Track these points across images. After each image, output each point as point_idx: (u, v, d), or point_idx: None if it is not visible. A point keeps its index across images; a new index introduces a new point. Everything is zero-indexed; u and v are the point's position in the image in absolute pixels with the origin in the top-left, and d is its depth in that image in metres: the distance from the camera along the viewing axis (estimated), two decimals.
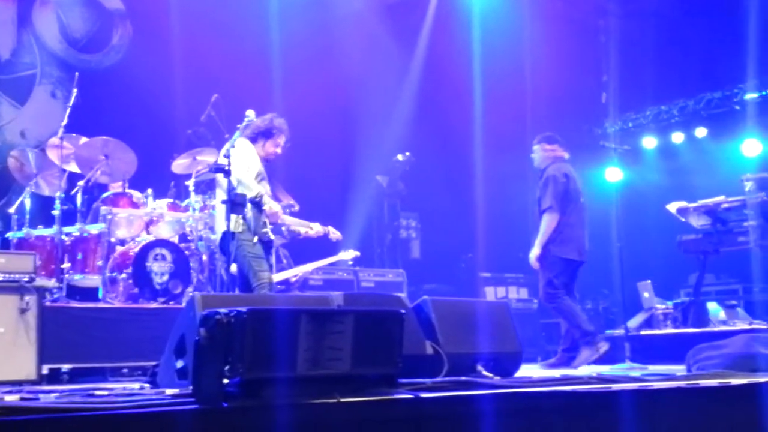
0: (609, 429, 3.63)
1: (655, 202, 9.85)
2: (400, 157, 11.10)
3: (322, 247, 8.90)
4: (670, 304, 9.00)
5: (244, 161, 6.13)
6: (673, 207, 8.46)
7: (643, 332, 8.30)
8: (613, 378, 4.38)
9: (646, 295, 9.13)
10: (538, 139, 7.38)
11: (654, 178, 11.81)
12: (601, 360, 6.95)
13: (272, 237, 6.20)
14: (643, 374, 5.01)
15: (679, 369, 5.51)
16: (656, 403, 3.86)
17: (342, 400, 3.17)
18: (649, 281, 9.29)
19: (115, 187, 7.90)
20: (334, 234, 7.10)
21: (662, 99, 11.90)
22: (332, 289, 7.37)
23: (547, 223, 7.01)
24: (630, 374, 4.95)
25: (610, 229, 8.57)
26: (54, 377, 6.18)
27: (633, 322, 8.53)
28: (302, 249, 8.66)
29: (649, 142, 12.18)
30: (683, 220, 8.47)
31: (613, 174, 9.01)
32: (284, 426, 2.96)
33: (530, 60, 12.13)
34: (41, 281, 6.45)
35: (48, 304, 6.48)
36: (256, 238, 6.03)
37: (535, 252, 7.08)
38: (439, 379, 4.32)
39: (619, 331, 8.12)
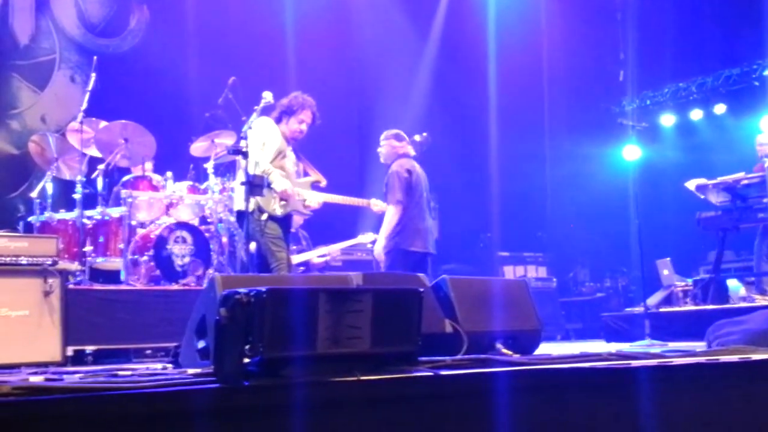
0: (629, 406, 3.64)
1: (673, 180, 9.80)
2: (417, 137, 11.03)
3: (341, 229, 8.95)
4: (689, 281, 8.97)
5: (259, 140, 6.15)
6: (691, 184, 8.41)
7: (662, 309, 8.28)
8: (633, 355, 4.38)
9: (665, 272, 9.11)
10: (386, 135, 7.39)
11: (672, 155, 11.75)
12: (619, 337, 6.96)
13: (280, 213, 6.16)
14: (662, 351, 5.01)
15: (699, 345, 5.50)
16: (676, 380, 3.86)
17: (362, 377, 3.20)
18: (669, 259, 9.26)
19: (138, 171, 7.96)
20: (376, 206, 7.15)
21: (680, 76, 11.80)
22: (351, 270, 7.40)
23: (392, 216, 7.04)
24: (650, 351, 4.96)
25: (629, 207, 8.54)
26: (78, 359, 6.27)
27: (652, 300, 8.51)
28: (322, 231, 8.70)
29: (668, 120, 12.10)
30: (702, 197, 8.42)
31: (631, 152, 8.96)
32: (304, 404, 2.99)
33: (546, 38, 12.08)
34: (64, 264, 6.53)
35: (71, 286, 6.55)
36: (265, 216, 6.05)
37: (381, 244, 7.09)
38: (458, 357, 4.34)
39: (638, 309, 8.11)
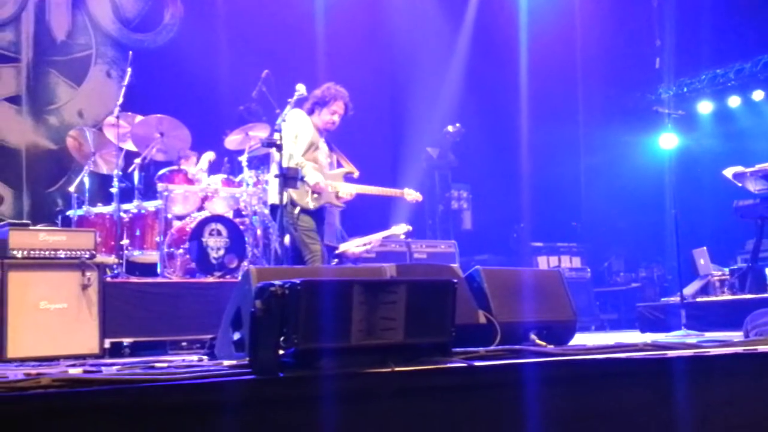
0: (665, 396, 3.61)
1: (710, 168, 9.67)
2: (450, 128, 11.06)
3: (375, 220, 8.96)
4: (726, 270, 8.85)
5: (292, 132, 6.17)
6: (729, 172, 8.29)
7: (699, 299, 8.19)
8: (669, 345, 4.34)
9: (701, 261, 9.00)
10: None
11: (709, 143, 11.59)
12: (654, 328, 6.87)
13: (313, 206, 6.16)
14: (699, 341, 4.96)
15: (736, 335, 5.44)
16: (713, 370, 3.82)
17: (395, 369, 3.21)
18: (705, 248, 9.15)
19: (191, 166, 8.07)
20: (410, 195, 7.06)
21: (718, 62, 11.62)
22: (385, 262, 7.42)
23: None
24: (686, 341, 4.91)
25: (664, 196, 8.45)
26: (115, 351, 6.36)
27: (689, 289, 8.41)
28: (355, 223, 8.72)
29: (705, 107, 11.93)
30: (740, 185, 8.30)
31: (668, 140, 8.85)
32: (339, 395, 3.00)
33: (580, 26, 11.97)
34: (101, 258, 6.61)
35: (108, 279, 6.65)
36: (298, 209, 6.06)
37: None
38: (492, 348, 4.34)
39: (674, 299, 8.03)
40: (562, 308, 5.13)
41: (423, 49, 11.24)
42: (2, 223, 6.26)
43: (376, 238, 8.50)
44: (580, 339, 5.34)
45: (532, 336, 4.76)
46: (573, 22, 11.94)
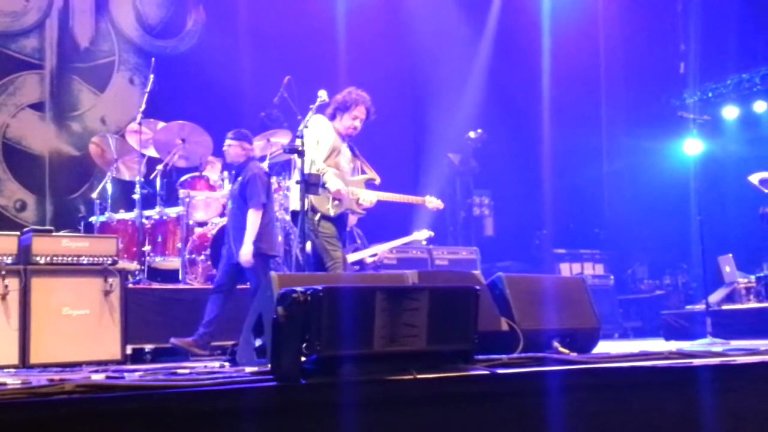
0: (691, 405, 3.57)
1: (736, 174, 9.57)
2: (471, 134, 11.02)
3: (396, 227, 8.94)
4: (752, 278, 8.76)
5: (313, 138, 6.15)
6: (755, 178, 8.20)
7: (724, 307, 8.11)
8: (695, 353, 4.30)
9: (727, 269, 8.90)
10: (235, 134, 6.97)
11: (735, 149, 11.46)
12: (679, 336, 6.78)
13: (333, 213, 6.13)
14: (725, 349, 4.90)
15: (762, 344, 5.37)
16: (739, 378, 3.77)
17: (418, 376, 3.19)
18: (731, 255, 9.06)
19: (213, 173, 8.09)
20: (431, 203, 6.99)
21: (743, 67, 11.51)
22: (406, 268, 7.40)
23: (255, 219, 6.70)
24: (712, 350, 4.85)
25: (689, 203, 8.37)
26: (137, 357, 6.38)
27: (714, 297, 8.33)
28: (377, 229, 8.71)
29: (730, 112, 11.81)
30: (766, 191, 8.21)
31: (692, 146, 8.77)
32: (361, 402, 2.99)
33: (603, 30, 11.90)
34: (124, 264, 6.65)
35: (130, 286, 6.67)
36: (318, 215, 6.04)
37: (249, 249, 6.62)
38: (514, 355, 4.31)
39: (699, 307, 7.95)
40: (585, 316, 5.09)
41: (445, 55, 11.21)
42: (25, 229, 6.30)
43: (392, 246, 8.48)
44: (603, 347, 5.29)
45: (555, 344, 4.71)
46: (596, 26, 11.87)
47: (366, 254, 8.33)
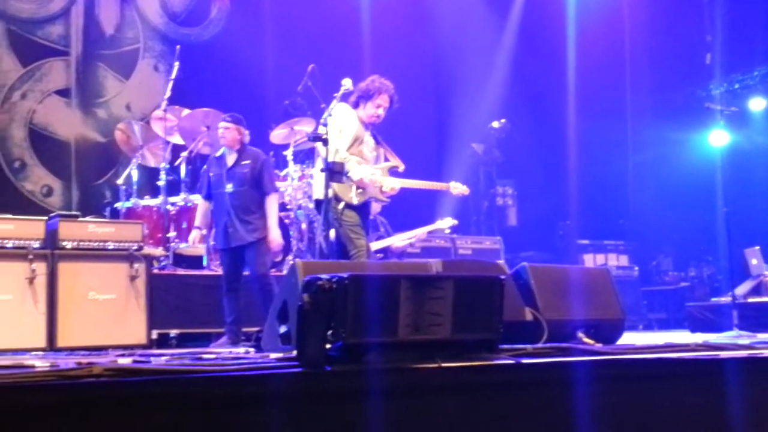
0: (716, 397, 3.54)
1: (763, 166, 9.49)
2: (495, 124, 10.97)
3: (419, 215, 8.93)
4: None
5: (337, 126, 6.15)
6: None
7: (751, 300, 8.03)
8: (721, 345, 4.26)
9: (754, 261, 8.82)
10: (231, 118, 6.92)
11: (762, 140, 11.33)
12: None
13: (357, 202, 6.11)
14: (751, 342, 4.86)
15: None
16: (765, 371, 3.74)
17: (442, 364, 3.20)
18: (758, 247, 8.96)
19: None
20: (456, 189, 6.91)
21: None
22: (430, 257, 7.38)
23: (276, 203, 6.73)
24: (738, 342, 4.81)
25: (715, 194, 8.29)
26: (162, 342, 6.43)
27: (741, 290, 8.26)
28: (401, 217, 8.70)
29: (757, 104, 11.67)
30: None
31: (719, 137, 8.68)
32: (385, 389, 2.99)
33: (629, 21, 11.79)
34: (149, 249, 6.69)
35: (156, 271, 6.72)
36: (342, 204, 6.03)
37: (277, 232, 6.70)
38: (539, 345, 4.30)
39: (725, 299, 7.89)
40: (610, 307, 5.07)
41: (469, 44, 11.16)
42: (52, 214, 6.35)
43: (416, 234, 8.46)
44: (627, 338, 5.27)
45: (580, 334, 4.70)
46: (621, 17, 11.77)
47: (388, 243, 8.32)
